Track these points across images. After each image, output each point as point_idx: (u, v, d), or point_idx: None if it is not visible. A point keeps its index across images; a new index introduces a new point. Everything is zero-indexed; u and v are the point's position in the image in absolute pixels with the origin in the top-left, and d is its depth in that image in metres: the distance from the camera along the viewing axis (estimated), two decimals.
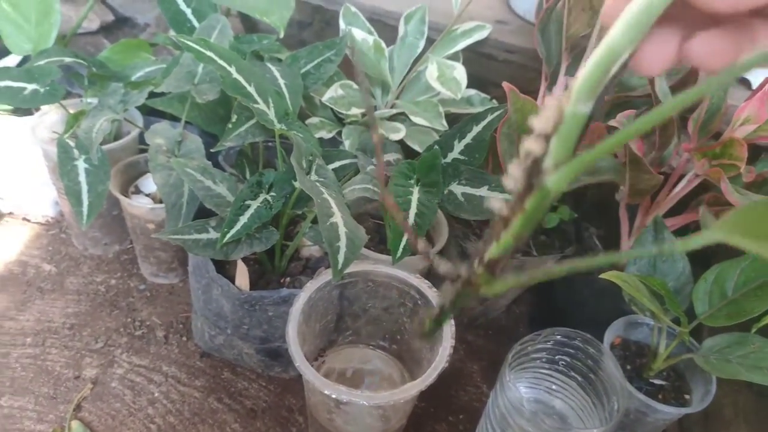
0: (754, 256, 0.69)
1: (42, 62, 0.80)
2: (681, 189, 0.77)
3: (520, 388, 0.79)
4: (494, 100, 0.89)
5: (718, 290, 0.70)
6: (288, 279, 0.79)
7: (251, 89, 0.67)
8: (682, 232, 0.83)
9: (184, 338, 0.87)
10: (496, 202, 0.24)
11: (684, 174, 0.78)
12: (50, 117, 0.89)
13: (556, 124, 0.22)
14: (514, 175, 0.23)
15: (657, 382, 0.75)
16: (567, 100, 0.22)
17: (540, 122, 0.22)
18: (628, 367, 0.77)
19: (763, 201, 0.19)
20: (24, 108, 0.91)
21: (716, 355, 0.69)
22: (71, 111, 0.82)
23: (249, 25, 1.25)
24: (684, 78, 0.82)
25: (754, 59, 0.18)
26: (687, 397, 0.74)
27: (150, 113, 0.89)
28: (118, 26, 1.50)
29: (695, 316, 0.70)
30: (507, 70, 0.95)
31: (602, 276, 0.65)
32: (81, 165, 0.75)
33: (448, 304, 0.30)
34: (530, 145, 0.23)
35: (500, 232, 0.25)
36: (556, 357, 0.76)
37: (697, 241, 0.20)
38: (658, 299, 0.69)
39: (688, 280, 0.74)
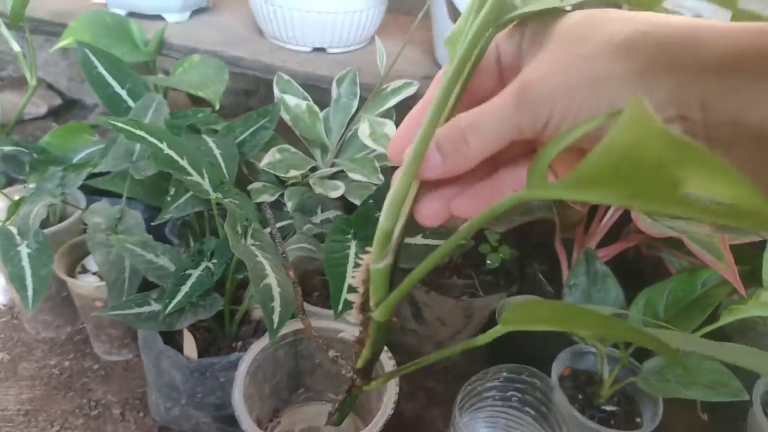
0: (679, 277, 0.73)
1: None
2: (608, 220, 0.81)
3: (480, 429, 0.80)
4: None
5: (650, 313, 0.73)
6: (240, 343, 0.79)
7: (184, 163, 0.70)
8: (617, 259, 0.86)
9: (141, 414, 0.87)
10: (348, 336, 0.35)
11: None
12: None
13: (366, 279, 0.31)
14: (353, 315, 0.33)
15: (609, 408, 0.77)
16: (369, 261, 0.30)
17: (355, 280, 0.32)
18: (580, 396, 0.78)
19: (525, 302, 0.28)
20: None
21: (656, 376, 0.71)
22: (15, 197, 0.83)
23: (194, 97, 1.29)
24: None
25: (499, 206, 0.24)
26: (638, 420, 0.76)
27: (94, 193, 0.91)
28: (66, 109, 1.53)
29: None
30: None
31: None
32: (24, 250, 0.76)
33: (344, 402, 0.38)
34: (351, 297, 0.33)
35: (360, 350, 0.34)
36: (508, 393, 0.77)
37: (491, 335, 0.31)
38: None
39: (622, 306, 0.77)
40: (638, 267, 0.98)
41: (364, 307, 0.32)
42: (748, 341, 0.79)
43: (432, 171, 0.28)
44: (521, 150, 0.30)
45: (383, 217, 0.29)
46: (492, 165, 0.30)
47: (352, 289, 0.70)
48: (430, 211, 0.30)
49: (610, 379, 0.75)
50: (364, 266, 0.31)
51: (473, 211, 0.30)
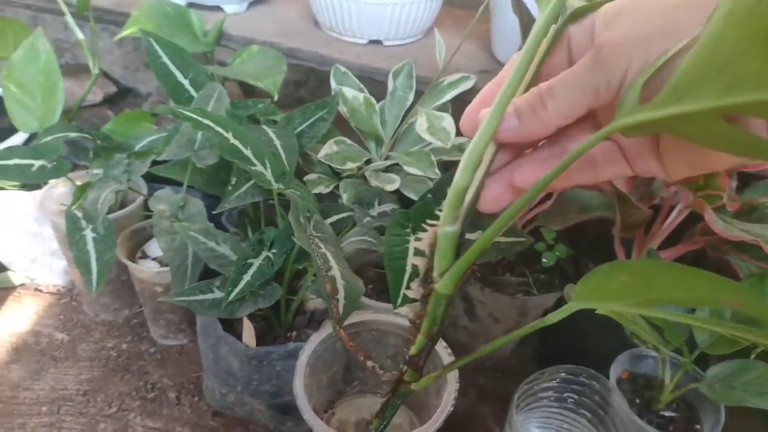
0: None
1: (48, 139, 0.84)
2: (672, 220, 0.79)
3: (532, 429, 0.79)
4: None
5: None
6: (294, 333, 0.80)
7: (248, 152, 0.70)
8: (680, 262, 0.84)
9: (196, 398, 0.88)
10: (406, 312, 0.34)
11: (674, 205, 0.80)
12: (58, 190, 0.93)
13: (432, 244, 0.30)
14: (414, 288, 0.32)
15: (667, 414, 0.75)
16: (439, 225, 0.29)
17: (421, 244, 0.31)
18: (638, 400, 0.77)
19: (600, 267, 0.26)
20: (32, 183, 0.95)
21: (721, 383, 0.69)
22: (78, 183, 0.85)
23: (247, 89, 1.30)
24: None
25: (584, 146, 0.24)
26: (698, 427, 0.74)
27: (154, 180, 0.93)
28: (121, 97, 1.56)
29: (697, 346, 0.71)
30: None
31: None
32: (89, 235, 0.78)
33: (388, 403, 0.38)
34: (416, 261, 0.31)
35: (415, 334, 0.33)
36: (564, 395, 0.76)
37: (563, 312, 0.31)
38: (658, 330, 0.70)
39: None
40: None
41: (427, 278, 0.31)
42: None
43: (507, 132, 0.29)
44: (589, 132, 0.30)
45: (458, 174, 0.29)
46: (557, 146, 0.30)
47: (412, 278, 0.70)
48: (491, 195, 0.30)
49: (671, 384, 0.73)
50: (431, 231, 0.31)
51: (533, 180, 0.29)
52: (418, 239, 0.32)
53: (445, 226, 0.30)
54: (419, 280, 0.32)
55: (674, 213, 0.79)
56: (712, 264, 0.96)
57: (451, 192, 0.29)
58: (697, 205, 0.67)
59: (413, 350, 0.34)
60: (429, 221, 0.31)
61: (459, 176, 0.29)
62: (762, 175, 0.82)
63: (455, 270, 0.30)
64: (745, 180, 0.89)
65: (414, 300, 0.71)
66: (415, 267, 0.70)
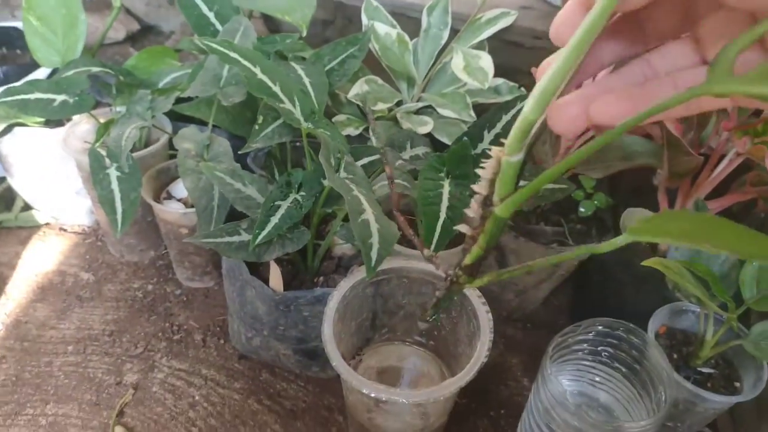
0: None
1: (70, 73, 0.81)
2: (722, 170, 0.75)
3: (563, 381, 0.77)
4: (523, 88, 0.87)
5: (766, 274, 0.67)
6: (321, 278, 0.78)
7: (276, 89, 0.67)
8: (725, 213, 0.80)
9: (222, 341, 0.88)
10: (463, 228, 0.35)
11: (724, 154, 0.76)
12: (81, 127, 0.90)
13: (495, 171, 0.31)
14: (473, 208, 0.34)
15: (705, 370, 0.73)
16: (503, 153, 0.29)
17: (485, 172, 0.31)
18: (675, 356, 0.74)
19: (659, 215, 0.25)
20: (55, 120, 0.93)
21: (767, 341, 0.66)
22: (101, 120, 0.83)
23: (272, 26, 1.25)
24: None
25: (671, 101, 0.22)
26: (737, 385, 0.72)
27: (178, 119, 0.90)
28: (143, 35, 1.52)
29: (743, 302, 0.67)
30: (535, 57, 0.92)
31: (645, 263, 0.63)
32: (113, 173, 0.76)
33: (442, 297, 0.42)
34: (477, 188, 0.32)
35: (471, 246, 0.36)
36: (599, 348, 0.74)
37: (615, 243, 0.29)
38: (704, 285, 0.67)
39: (734, 264, 0.71)
40: (743, 224, 0.92)
41: (487, 202, 0.32)
42: None
43: None
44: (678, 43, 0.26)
45: (529, 106, 0.27)
46: (646, 64, 0.27)
47: (444, 229, 0.67)
48: (566, 117, 0.27)
49: (713, 340, 0.70)
50: (495, 158, 0.31)
51: (617, 117, 0.26)
52: (481, 167, 0.31)
53: (510, 155, 0.29)
54: (479, 202, 0.33)
55: (724, 162, 0.75)
56: (757, 218, 0.92)
57: (519, 123, 0.27)
58: (756, 151, 0.62)
59: (468, 260, 0.37)
60: (493, 147, 0.29)
61: (530, 108, 0.26)
62: None
63: (516, 197, 0.30)
64: None
65: (447, 248, 0.68)
66: (449, 212, 0.67)
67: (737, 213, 0.93)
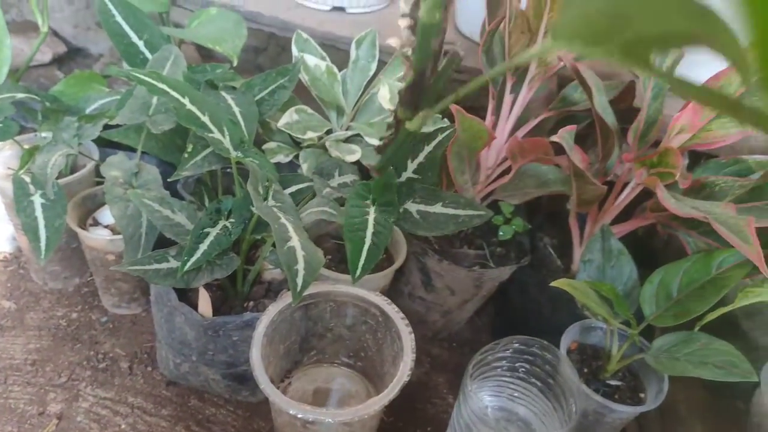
0: (695, 257, 0.73)
1: None
2: (625, 197, 0.81)
3: (484, 397, 0.81)
4: (445, 120, 0.92)
5: (663, 292, 0.73)
6: (251, 303, 0.79)
7: (206, 119, 0.69)
8: (631, 237, 0.86)
9: (149, 368, 0.87)
10: (392, 42, 0.35)
11: (628, 182, 0.82)
12: (4, 153, 0.89)
13: None
14: (401, 20, 0.33)
15: (613, 383, 0.78)
16: None
17: None
18: (585, 370, 0.80)
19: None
20: None
21: (665, 354, 0.72)
22: (26, 146, 0.82)
23: (205, 52, 1.26)
24: (623, 92, 0.86)
25: None
26: (642, 395, 0.78)
27: (106, 145, 0.90)
28: (71, 57, 1.50)
29: (644, 318, 0.73)
30: (456, 90, 0.98)
31: (554, 284, 0.68)
32: (37, 200, 0.75)
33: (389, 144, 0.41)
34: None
35: (407, 73, 0.34)
36: (516, 364, 0.78)
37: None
38: (608, 303, 0.72)
39: (636, 284, 0.77)
40: (648, 245, 0.99)
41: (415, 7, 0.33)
42: (754, 325, 0.80)
43: None
44: None
45: None
46: None
47: (370, 254, 0.70)
48: None
49: (618, 355, 0.76)
50: None
51: None
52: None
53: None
54: (408, 11, 0.33)
55: (627, 189, 0.81)
56: (661, 240, 1.00)
57: None
58: (650, 182, 0.69)
59: (404, 84, 0.36)
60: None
61: None
62: (712, 154, 0.85)
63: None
64: (696, 159, 0.92)
65: (373, 272, 0.71)
66: (374, 238, 0.70)
67: (642, 236, 1.00)
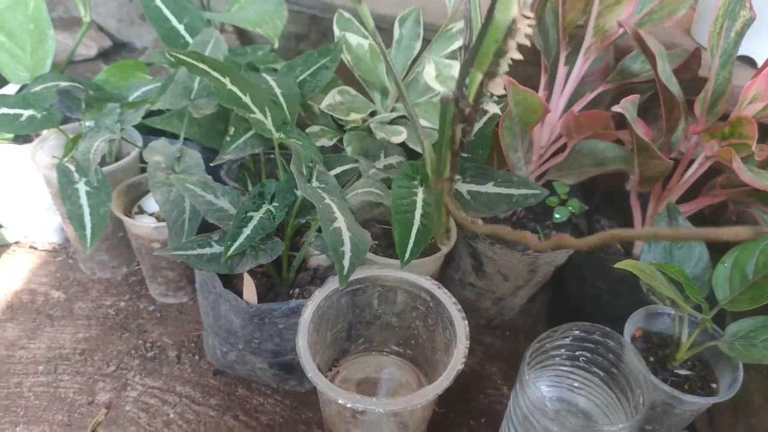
0: None
1: (38, 88, 0.80)
2: (692, 173, 0.76)
3: (542, 387, 0.77)
4: (494, 96, 0.87)
5: (738, 274, 0.67)
6: (297, 290, 0.77)
7: (247, 99, 0.66)
8: (697, 217, 0.81)
9: (197, 357, 0.86)
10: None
11: (694, 158, 0.76)
12: (50, 143, 0.89)
13: None
14: None
15: (682, 372, 0.73)
16: None
17: None
18: (651, 359, 0.75)
19: None
20: (23, 135, 0.91)
21: (741, 341, 0.67)
22: (70, 135, 0.82)
23: (245, 40, 1.25)
24: (687, 61, 0.80)
25: None
26: (714, 386, 0.72)
27: (150, 133, 0.89)
28: (116, 51, 1.51)
29: (716, 302, 0.68)
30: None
31: (617, 265, 0.63)
32: (82, 188, 0.75)
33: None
34: None
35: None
36: (576, 353, 0.74)
37: None
38: (677, 287, 0.67)
39: (707, 265, 0.72)
40: (716, 226, 0.93)
41: None
42: None
43: None
44: None
45: None
46: None
47: (419, 237, 0.67)
48: None
49: (689, 342, 0.71)
50: None
51: None
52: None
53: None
54: None
55: (694, 165, 0.76)
56: (730, 218, 0.93)
57: None
58: (724, 153, 0.63)
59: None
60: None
61: None
62: None
63: None
64: (766, 132, 0.86)
65: (422, 256, 0.68)
66: (423, 219, 0.66)
67: (710, 216, 0.94)
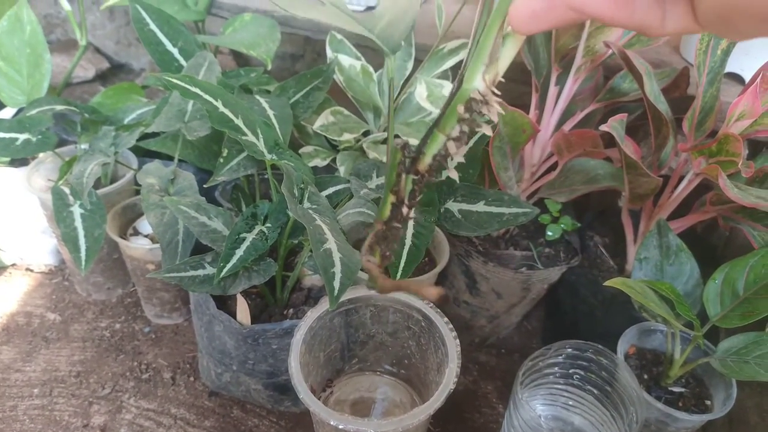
0: (762, 252, 0.67)
1: (34, 112, 0.81)
2: (682, 190, 0.76)
3: (536, 406, 0.77)
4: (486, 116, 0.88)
5: (728, 290, 0.68)
6: (291, 310, 0.78)
7: (239, 122, 0.67)
8: (689, 233, 0.81)
9: (192, 378, 0.86)
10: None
11: (684, 175, 0.77)
12: (46, 165, 0.90)
13: None
14: None
15: (676, 389, 0.73)
16: None
17: None
18: (645, 376, 0.75)
19: None
20: (20, 159, 0.92)
21: (733, 357, 0.67)
22: (66, 158, 0.82)
23: (241, 61, 1.26)
24: (676, 80, 0.81)
25: None
26: (708, 402, 0.72)
27: (146, 155, 0.90)
28: (113, 73, 1.52)
29: (708, 319, 0.68)
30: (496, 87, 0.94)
31: (607, 283, 0.64)
32: (76, 210, 0.75)
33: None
34: None
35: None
36: (570, 371, 0.74)
37: None
38: (668, 304, 0.67)
39: (698, 282, 0.72)
40: (707, 242, 0.93)
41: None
42: None
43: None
44: None
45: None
46: None
47: (411, 256, 0.67)
48: (529, 11, 0.24)
49: (681, 359, 0.71)
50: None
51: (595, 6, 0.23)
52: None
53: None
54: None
55: (684, 182, 0.76)
56: (720, 236, 0.93)
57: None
58: (711, 171, 0.64)
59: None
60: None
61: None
62: None
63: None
64: (756, 148, 0.86)
65: (414, 275, 0.68)
66: (414, 239, 0.67)
67: (702, 232, 0.94)
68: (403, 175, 0.32)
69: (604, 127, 0.64)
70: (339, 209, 0.71)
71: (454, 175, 0.32)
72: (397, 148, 0.32)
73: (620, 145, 0.65)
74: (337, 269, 0.58)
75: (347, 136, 0.85)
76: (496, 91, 0.29)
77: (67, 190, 0.76)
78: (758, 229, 0.72)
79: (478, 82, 0.28)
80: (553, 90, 0.81)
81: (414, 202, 0.33)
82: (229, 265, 0.64)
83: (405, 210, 0.33)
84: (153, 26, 0.82)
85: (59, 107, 0.83)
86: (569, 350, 0.71)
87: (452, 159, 0.30)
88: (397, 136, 0.87)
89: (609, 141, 0.75)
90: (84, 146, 0.84)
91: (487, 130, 0.31)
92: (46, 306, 0.97)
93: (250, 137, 0.67)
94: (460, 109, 0.29)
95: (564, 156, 0.78)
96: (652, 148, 0.75)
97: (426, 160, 0.31)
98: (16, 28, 0.92)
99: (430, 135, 0.31)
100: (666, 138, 0.73)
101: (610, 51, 0.74)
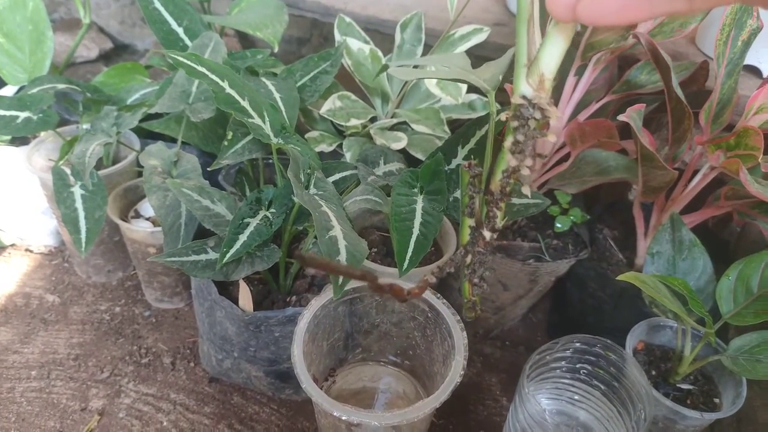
0: None
1: (35, 90, 0.79)
2: (696, 184, 0.74)
3: (542, 400, 0.75)
4: (497, 104, 0.86)
5: (742, 287, 0.66)
6: (294, 297, 0.76)
7: (245, 104, 0.65)
8: (700, 228, 0.79)
9: (192, 364, 0.85)
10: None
11: (698, 169, 0.75)
12: (47, 145, 0.88)
13: None
14: None
15: (684, 386, 0.72)
16: None
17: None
18: (653, 372, 0.73)
19: None
20: (20, 137, 0.90)
21: (745, 356, 0.65)
22: (67, 138, 0.81)
23: (246, 44, 1.24)
24: (695, 73, 0.79)
25: None
26: (717, 401, 0.71)
27: (148, 136, 0.88)
28: (117, 53, 1.50)
29: (720, 316, 0.67)
30: (508, 73, 0.92)
31: (620, 277, 0.62)
32: (77, 191, 0.74)
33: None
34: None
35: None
36: (577, 365, 0.72)
37: None
38: (680, 300, 0.66)
39: (711, 278, 0.70)
40: (719, 237, 0.91)
41: None
42: None
43: None
44: None
45: None
46: None
47: (418, 246, 0.66)
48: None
49: (691, 356, 0.69)
50: None
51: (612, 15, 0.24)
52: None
53: None
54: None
55: (698, 176, 0.74)
56: (735, 230, 0.92)
57: None
58: (730, 165, 0.62)
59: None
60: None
61: None
62: None
63: None
64: None
65: (421, 265, 0.66)
66: (422, 228, 0.65)
67: (714, 227, 0.93)
68: (476, 198, 0.31)
69: (622, 117, 0.62)
70: (345, 196, 0.70)
71: (527, 192, 0.31)
72: (465, 170, 0.31)
73: (637, 136, 0.64)
74: (342, 257, 0.56)
75: (354, 122, 0.83)
76: (545, 94, 0.27)
77: (68, 171, 0.74)
78: None
79: (524, 86, 0.27)
80: (571, 80, 0.78)
81: (494, 225, 0.32)
82: (232, 251, 0.63)
83: (488, 235, 0.33)
84: (158, 4, 0.80)
85: (61, 86, 0.81)
86: (577, 344, 0.70)
87: (519, 172, 0.29)
88: (403, 124, 0.85)
89: (622, 133, 0.74)
90: (86, 126, 0.82)
91: (550, 138, 0.30)
92: (45, 287, 0.95)
93: (257, 120, 0.66)
94: (507, 117, 0.28)
95: (577, 146, 0.76)
96: (669, 141, 0.73)
97: (497, 179, 0.30)
98: (18, 4, 0.90)
99: (498, 152, 0.30)
100: (686, 131, 0.71)
101: (635, 41, 0.72)
